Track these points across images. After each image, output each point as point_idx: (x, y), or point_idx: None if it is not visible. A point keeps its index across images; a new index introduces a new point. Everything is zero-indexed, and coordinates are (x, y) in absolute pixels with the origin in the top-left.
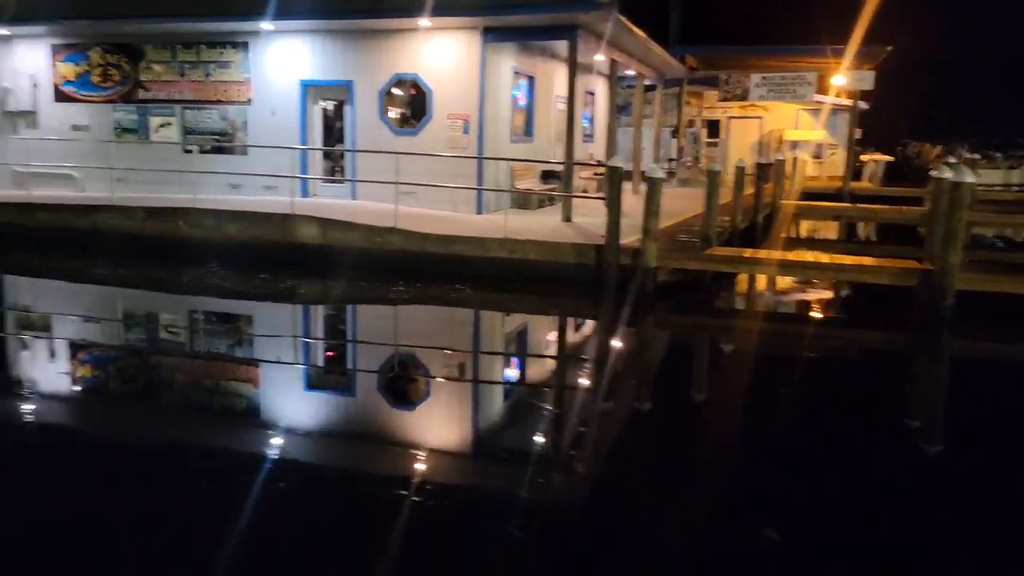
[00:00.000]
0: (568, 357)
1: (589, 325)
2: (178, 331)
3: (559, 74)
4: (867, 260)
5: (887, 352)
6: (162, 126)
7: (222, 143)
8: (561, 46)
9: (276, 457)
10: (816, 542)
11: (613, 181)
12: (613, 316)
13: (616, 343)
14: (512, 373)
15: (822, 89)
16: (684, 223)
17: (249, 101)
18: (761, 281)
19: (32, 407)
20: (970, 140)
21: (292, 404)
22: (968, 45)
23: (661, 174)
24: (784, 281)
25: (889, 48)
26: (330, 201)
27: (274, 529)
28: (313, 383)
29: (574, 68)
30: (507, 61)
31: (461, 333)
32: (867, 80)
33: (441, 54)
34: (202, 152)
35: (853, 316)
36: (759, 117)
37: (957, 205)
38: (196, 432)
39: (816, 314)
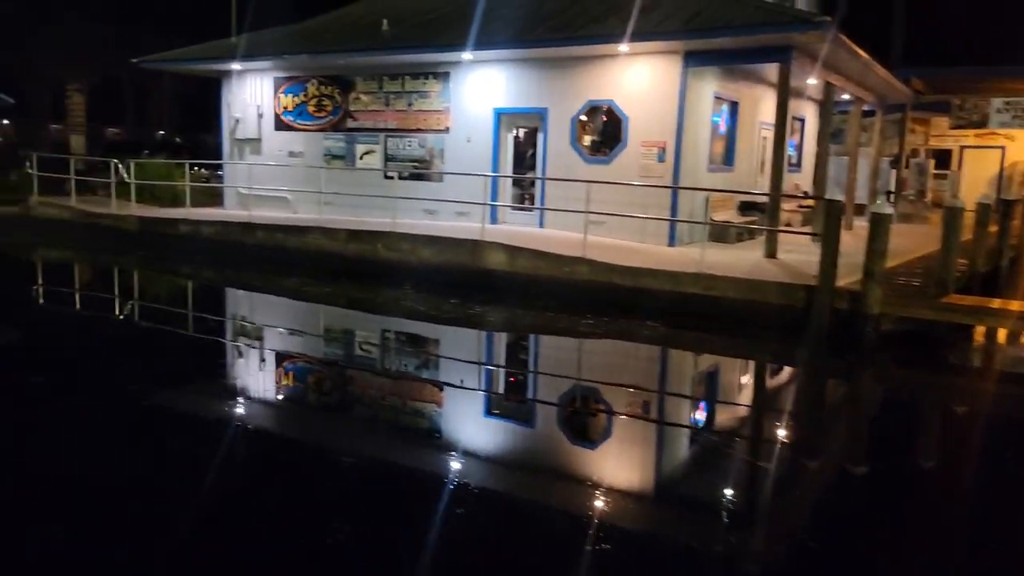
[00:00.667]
0: (774, 407)
1: (797, 374)
2: (371, 349)
3: (765, 99)
4: None
5: None
6: (366, 153)
7: (420, 170)
8: (769, 69)
9: (453, 480)
10: None
11: (831, 216)
12: (826, 366)
13: (829, 395)
14: (704, 418)
15: None
16: (907, 264)
17: (447, 129)
18: (1005, 336)
19: (239, 410)
20: None
21: (472, 429)
22: None
23: (889, 210)
24: None
25: None
26: (519, 228)
27: (451, 556)
28: (494, 410)
29: (785, 93)
30: (708, 86)
31: (650, 371)
32: None
33: (638, 80)
34: (401, 178)
35: None
36: (1000, 147)
37: None
38: (380, 447)
39: None
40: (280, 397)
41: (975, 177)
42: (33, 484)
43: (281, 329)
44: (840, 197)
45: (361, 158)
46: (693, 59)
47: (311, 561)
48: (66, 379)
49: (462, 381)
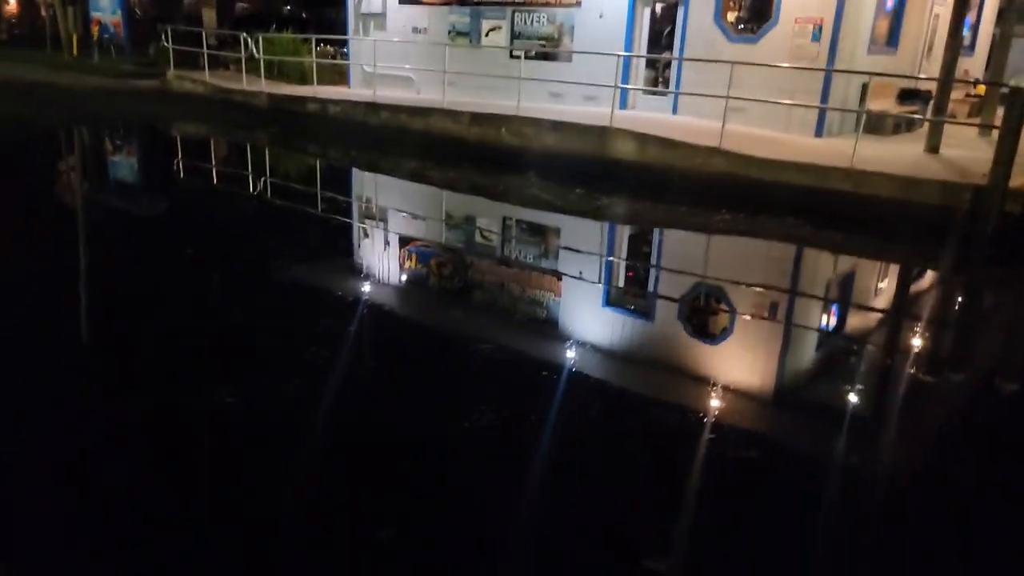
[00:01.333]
0: (929, 317)
1: (956, 282)
2: (493, 236)
3: None
4: None
5: None
6: (492, 30)
7: (547, 49)
8: None
9: (567, 370)
10: None
11: (1014, 105)
12: (991, 275)
13: (991, 307)
14: (850, 327)
15: None
16: None
17: (578, 3)
18: None
19: (366, 289)
20: None
21: (590, 320)
22: None
23: None
24: None
25: None
26: (650, 115)
27: (561, 449)
28: (615, 302)
29: None
30: None
31: (786, 271)
32: None
33: None
34: (527, 58)
35: None
36: None
37: None
38: (496, 333)
39: None
40: (404, 279)
41: None
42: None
43: (405, 213)
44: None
45: (486, 35)
46: None
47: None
48: (210, 251)
49: (582, 273)
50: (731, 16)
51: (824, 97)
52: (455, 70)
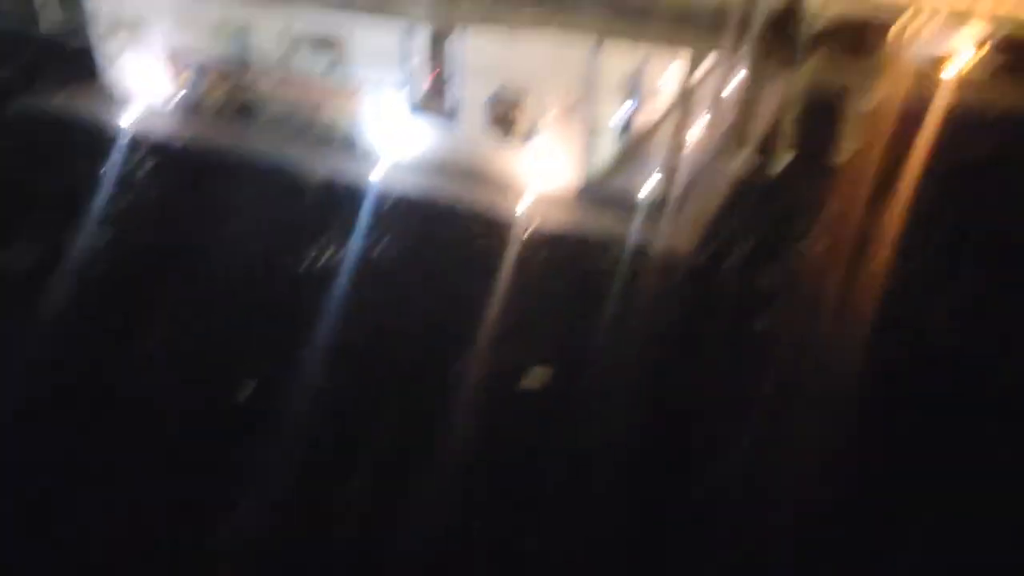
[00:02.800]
0: (703, 103)
1: (733, 72)
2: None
3: None
4: None
5: None
6: None
7: None
8: None
9: (378, 184)
10: None
11: None
12: (763, 63)
13: (764, 93)
14: (631, 117)
15: None
16: None
17: None
18: None
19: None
20: None
21: (396, 131)
22: None
23: None
24: None
25: None
26: None
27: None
28: (422, 110)
29: None
30: None
31: (579, 70)
32: None
33: None
34: None
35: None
36: None
37: None
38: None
39: (999, 74)
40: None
41: None
42: None
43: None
44: None
45: None
46: None
47: None
48: None
49: (381, 83)
50: None
51: None
52: None
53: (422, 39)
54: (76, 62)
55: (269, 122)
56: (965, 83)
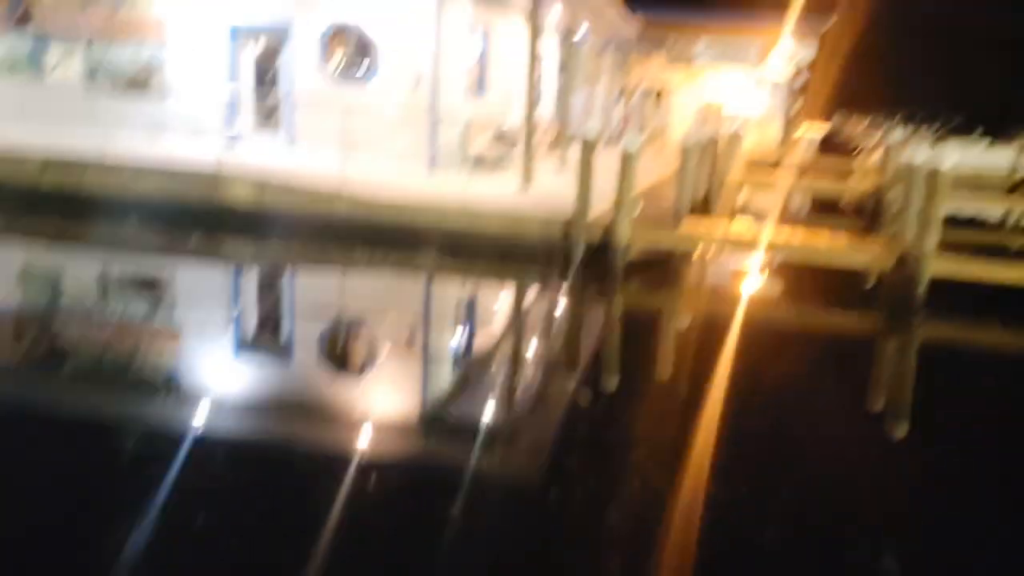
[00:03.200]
0: (532, 334)
1: (554, 302)
2: (84, 293)
3: (514, 29)
4: (842, 241)
5: (861, 337)
6: (62, 62)
7: (137, 85)
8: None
9: (202, 430)
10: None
11: (586, 153)
12: (581, 294)
13: (581, 322)
14: (462, 347)
15: (764, 59)
16: (640, 194)
17: (168, 40)
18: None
19: None
20: (900, 115)
21: (225, 372)
22: (903, 23)
23: (637, 147)
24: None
25: (831, 21)
26: (263, 156)
27: (198, 508)
28: (251, 349)
29: (538, 22)
30: (463, 13)
31: (412, 304)
32: (807, 52)
33: (393, 1)
34: (113, 94)
35: (818, 296)
36: (701, 85)
37: (934, 191)
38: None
39: (785, 293)
40: None
41: (682, 111)
42: None
43: None
44: (579, 127)
45: (55, 68)
46: None
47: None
48: None
49: (208, 323)
50: (336, 60)
51: (432, 139)
52: (12, 105)
53: (251, 279)
54: None
55: (81, 369)
56: (758, 302)
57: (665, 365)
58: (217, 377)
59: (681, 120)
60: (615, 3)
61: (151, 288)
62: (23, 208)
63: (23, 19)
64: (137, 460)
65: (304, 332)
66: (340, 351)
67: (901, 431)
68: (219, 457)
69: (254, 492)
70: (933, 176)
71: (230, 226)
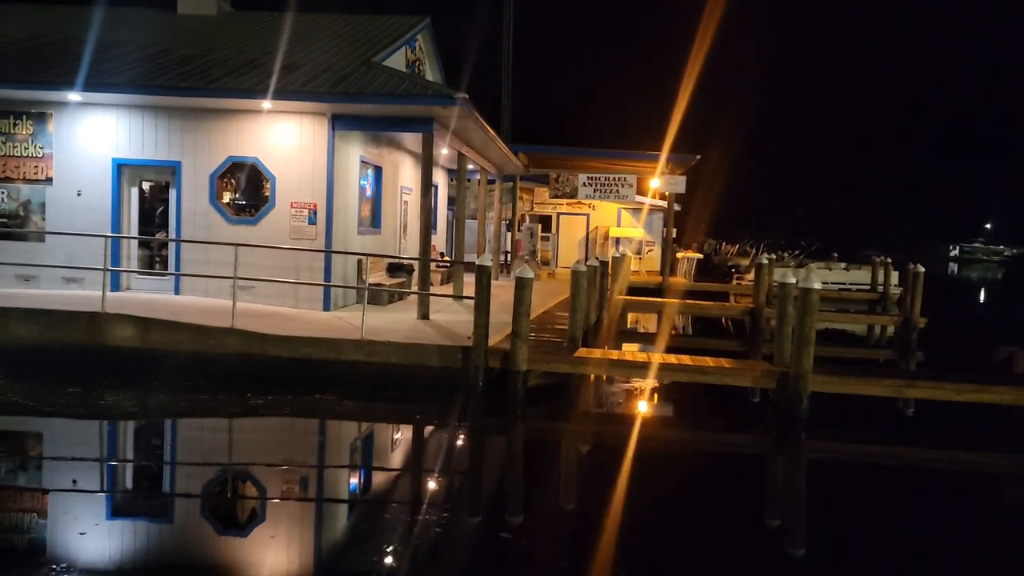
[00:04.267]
0: (431, 470)
1: (452, 435)
2: None
3: (405, 165)
4: (727, 363)
5: (752, 454)
6: None
7: (11, 227)
8: (408, 137)
9: None
10: None
11: (482, 282)
12: (481, 425)
13: (482, 454)
14: (361, 488)
15: (641, 190)
16: (536, 320)
17: (49, 180)
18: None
19: None
20: (764, 241)
21: (95, 537)
22: (761, 155)
23: (531, 274)
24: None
25: (698, 157)
26: (149, 297)
27: None
28: (123, 511)
29: (430, 160)
30: (355, 150)
31: (310, 446)
32: (679, 184)
33: (285, 138)
34: None
35: (709, 416)
36: (586, 214)
37: (808, 310)
38: None
39: (677, 414)
40: None
41: (569, 239)
42: None
43: None
44: (473, 258)
45: None
46: (341, 122)
47: None
48: None
49: (75, 482)
50: (228, 198)
51: (327, 274)
52: None
53: (129, 431)
54: None
55: None
56: (653, 423)
57: (567, 492)
58: (88, 543)
59: (569, 247)
60: (498, 141)
61: (14, 446)
62: None
63: None
64: None
65: (187, 487)
66: (227, 506)
67: (797, 545)
68: None
69: None
70: (806, 295)
71: (112, 370)
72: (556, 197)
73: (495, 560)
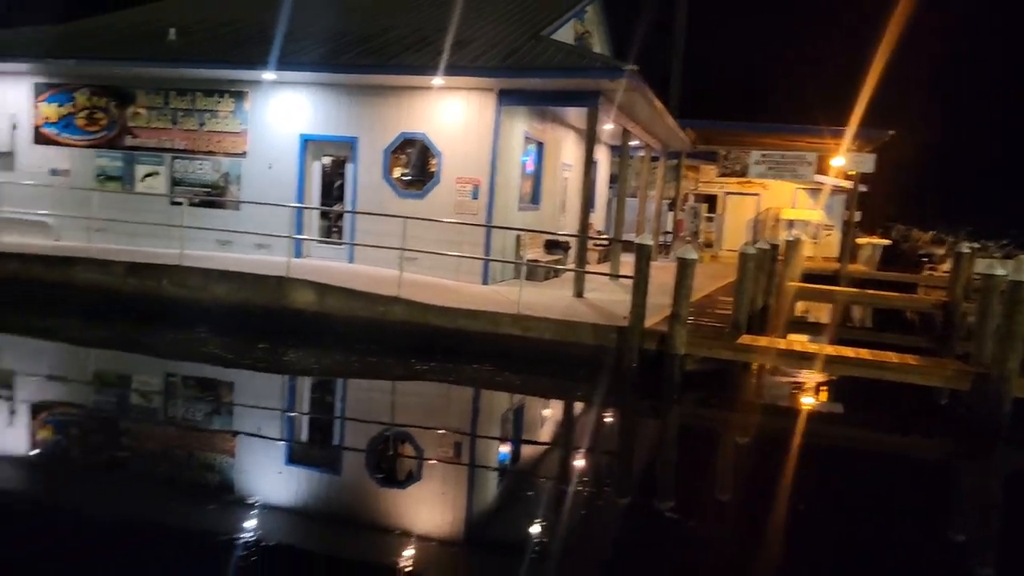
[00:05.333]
0: (583, 448)
1: (605, 415)
2: (152, 397)
3: (567, 141)
4: (913, 359)
5: (937, 460)
6: (149, 175)
7: (213, 197)
8: (571, 113)
9: (253, 539)
10: None
11: (641, 260)
12: (634, 407)
13: (635, 436)
14: (513, 459)
15: (821, 169)
16: (696, 304)
17: (244, 154)
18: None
19: None
20: (965, 228)
21: (275, 481)
22: (965, 133)
23: (695, 255)
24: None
25: (891, 132)
26: (326, 264)
27: None
28: (300, 459)
29: (593, 136)
30: (519, 125)
31: (465, 414)
32: (868, 163)
33: (453, 114)
34: (191, 205)
35: (889, 416)
36: (756, 194)
37: (1017, 305)
38: (164, 507)
39: (849, 412)
40: (37, 454)
41: (737, 221)
42: None
43: (43, 377)
44: (632, 237)
45: (143, 180)
46: (507, 98)
47: None
48: None
49: (260, 429)
50: (398, 172)
51: (487, 248)
52: (105, 216)
53: (306, 387)
54: None
55: (138, 472)
56: (821, 419)
57: (725, 482)
58: (267, 484)
59: (734, 229)
60: (667, 116)
61: (214, 393)
62: (107, 310)
63: (119, 136)
64: (189, 561)
65: (354, 442)
66: (387, 462)
67: (986, 564)
68: (267, 564)
69: None
70: (1016, 288)
71: (293, 330)
72: (725, 176)
73: (640, 541)
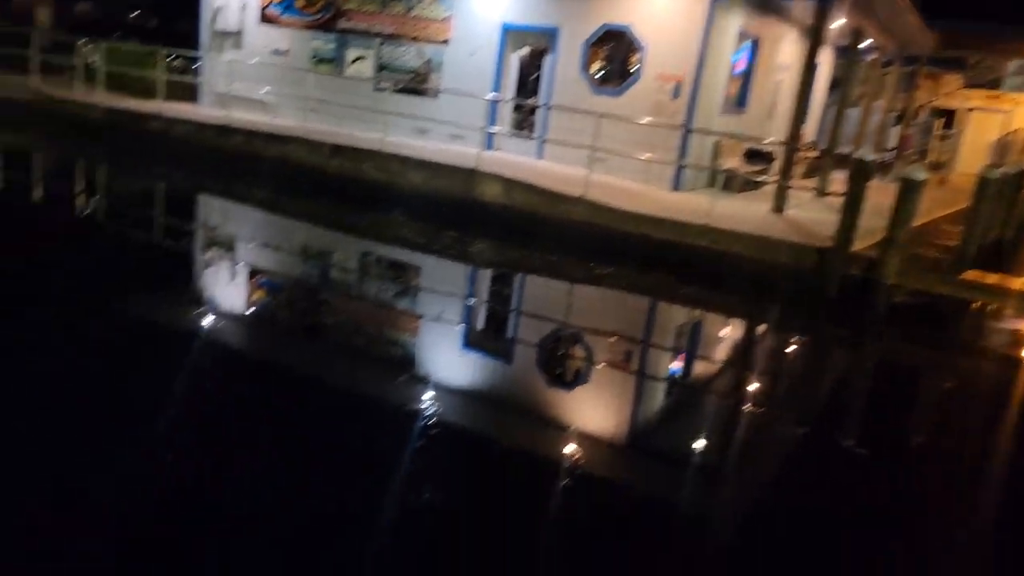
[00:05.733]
0: (767, 371)
1: (799, 340)
2: (350, 273)
3: (786, 39)
4: None
5: None
6: (357, 59)
7: (415, 84)
8: (798, 6)
9: (428, 413)
10: None
11: (859, 177)
12: (831, 335)
13: (829, 366)
14: (686, 374)
15: None
16: (912, 230)
17: (447, 41)
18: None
19: (206, 325)
20: None
21: (452, 363)
22: None
23: (922, 176)
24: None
25: None
26: (516, 158)
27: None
28: (476, 345)
29: (819, 33)
30: (734, 19)
31: (640, 322)
32: None
33: (660, 5)
34: (394, 91)
35: None
36: (1006, 111)
37: None
38: (353, 375)
39: None
40: (251, 314)
41: (977, 141)
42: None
43: (259, 245)
44: (847, 151)
45: (352, 63)
46: None
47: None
48: (34, 285)
49: (443, 313)
50: (595, 67)
51: (682, 153)
52: (317, 97)
53: (487, 278)
54: None
55: (328, 342)
56: None
57: (924, 427)
58: (445, 365)
59: (972, 151)
60: (911, 12)
61: (404, 275)
62: (313, 188)
63: (333, 19)
64: (372, 432)
65: (527, 336)
66: (557, 361)
67: None
68: (443, 440)
69: (477, 478)
70: None
71: (479, 220)
72: (971, 87)
73: (815, 475)
